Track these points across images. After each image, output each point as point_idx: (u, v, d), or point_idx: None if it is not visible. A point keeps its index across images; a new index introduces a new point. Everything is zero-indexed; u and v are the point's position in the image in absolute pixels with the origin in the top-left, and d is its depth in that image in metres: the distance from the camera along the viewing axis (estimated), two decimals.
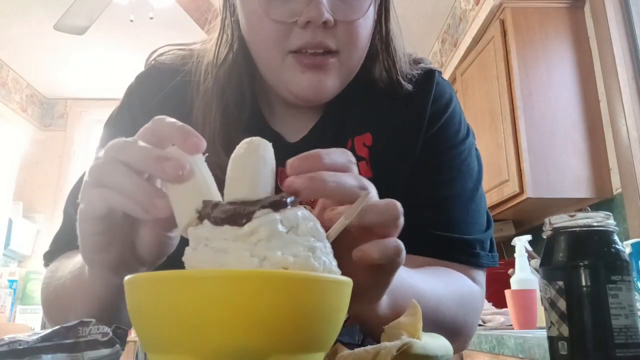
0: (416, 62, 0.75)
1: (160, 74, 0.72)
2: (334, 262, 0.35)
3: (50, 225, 4.76)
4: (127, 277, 0.32)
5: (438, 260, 0.68)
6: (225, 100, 0.68)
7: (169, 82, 0.70)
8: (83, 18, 2.96)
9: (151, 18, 3.18)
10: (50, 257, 0.71)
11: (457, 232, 0.69)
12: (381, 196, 0.43)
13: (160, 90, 0.70)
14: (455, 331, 0.64)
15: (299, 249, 0.33)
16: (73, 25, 3.02)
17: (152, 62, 0.75)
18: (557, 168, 2.11)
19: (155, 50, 0.76)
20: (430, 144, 0.72)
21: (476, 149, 0.77)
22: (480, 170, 0.76)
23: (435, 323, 0.58)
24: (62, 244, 0.70)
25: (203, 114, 0.67)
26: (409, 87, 0.71)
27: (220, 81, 0.68)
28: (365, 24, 0.63)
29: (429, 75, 0.74)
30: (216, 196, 0.37)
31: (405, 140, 0.71)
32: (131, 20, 3.17)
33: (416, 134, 0.71)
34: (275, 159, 0.72)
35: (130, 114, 0.71)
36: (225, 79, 0.68)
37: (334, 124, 0.71)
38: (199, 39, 0.76)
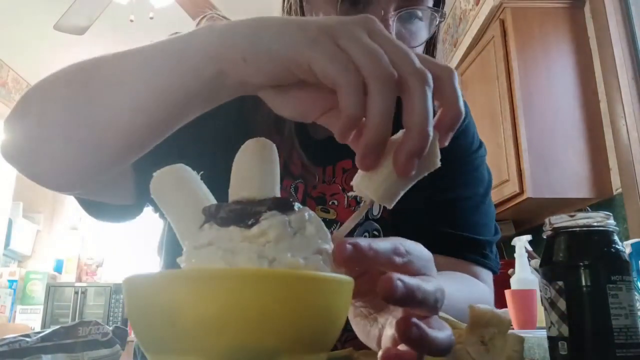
0: None
1: None
2: None
3: (50, 225, 4.76)
4: (127, 276, 0.31)
5: (449, 258, 0.70)
6: None
7: None
8: (83, 18, 2.96)
9: (151, 18, 3.17)
10: None
11: (467, 232, 0.74)
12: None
13: None
14: None
15: (308, 251, 0.33)
16: (73, 25, 3.02)
17: None
18: (557, 168, 2.11)
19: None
20: (446, 153, 0.74)
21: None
22: (490, 180, 0.81)
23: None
24: None
25: (254, 103, 0.66)
26: None
27: None
28: (418, 51, 0.67)
29: None
30: None
31: None
32: (131, 20, 3.17)
33: None
34: (302, 153, 0.67)
35: None
36: None
37: None
38: None
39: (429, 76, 0.35)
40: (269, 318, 0.28)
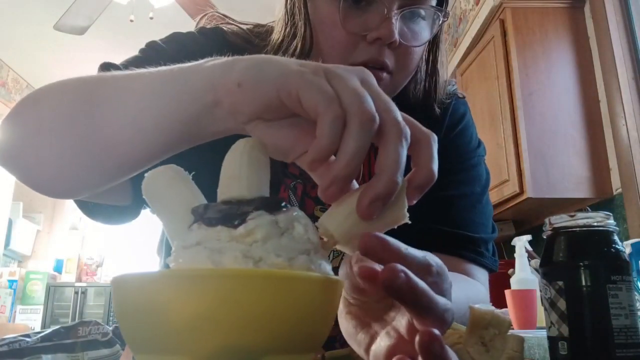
0: (449, 95, 0.79)
1: (227, 42, 0.71)
2: (329, 266, 0.35)
3: (50, 225, 4.76)
4: (115, 276, 0.32)
5: (443, 256, 0.70)
6: None
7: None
8: (83, 18, 2.96)
9: (151, 18, 3.18)
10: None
11: (463, 229, 0.73)
12: None
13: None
14: None
15: (295, 251, 0.32)
16: (73, 25, 3.03)
17: (214, 29, 0.74)
18: (557, 168, 2.11)
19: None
20: (444, 150, 0.74)
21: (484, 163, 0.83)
22: (487, 180, 0.80)
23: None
24: None
25: None
26: (438, 110, 0.76)
27: None
28: (419, 51, 0.68)
29: (449, 95, 0.80)
30: None
31: None
32: (131, 20, 3.17)
33: None
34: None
35: (172, 51, 0.68)
36: None
37: None
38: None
39: (408, 131, 0.35)
40: (254, 318, 0.28)
